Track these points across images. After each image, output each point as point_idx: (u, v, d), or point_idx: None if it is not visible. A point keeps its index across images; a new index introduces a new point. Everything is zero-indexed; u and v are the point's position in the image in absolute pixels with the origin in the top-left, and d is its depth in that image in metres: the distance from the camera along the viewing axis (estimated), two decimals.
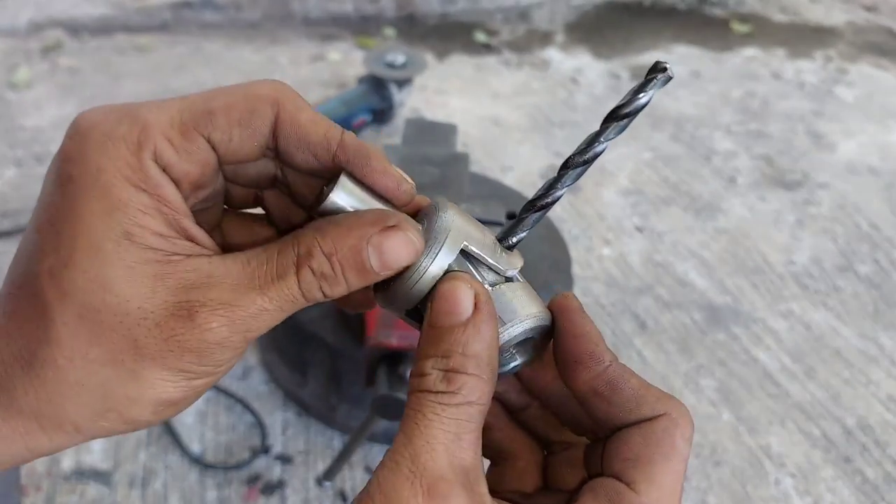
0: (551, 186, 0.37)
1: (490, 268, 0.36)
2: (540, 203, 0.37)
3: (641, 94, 0.34)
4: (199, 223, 0.34)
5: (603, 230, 1.50)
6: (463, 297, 0.34)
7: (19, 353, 0.31)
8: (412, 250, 0.34)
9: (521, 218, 0.37)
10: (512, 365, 0.37)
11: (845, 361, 1.25)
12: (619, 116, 0.35)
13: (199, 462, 1.03)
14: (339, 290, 0.33)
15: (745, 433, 1.11)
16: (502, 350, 0.36)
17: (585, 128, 1.75)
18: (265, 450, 1.05)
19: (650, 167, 1.67)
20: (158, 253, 0.32)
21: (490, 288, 0.35)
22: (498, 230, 0.38)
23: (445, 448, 0.31)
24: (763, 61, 2.16)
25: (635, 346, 1.24)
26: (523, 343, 0.37)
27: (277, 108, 0.34)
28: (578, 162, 0.36)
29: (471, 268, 0.36)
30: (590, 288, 1.35)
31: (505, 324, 0.35)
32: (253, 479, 1.02)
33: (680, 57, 2.16)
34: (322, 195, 0.35)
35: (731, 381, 1.19)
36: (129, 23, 2.08)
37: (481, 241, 0.36)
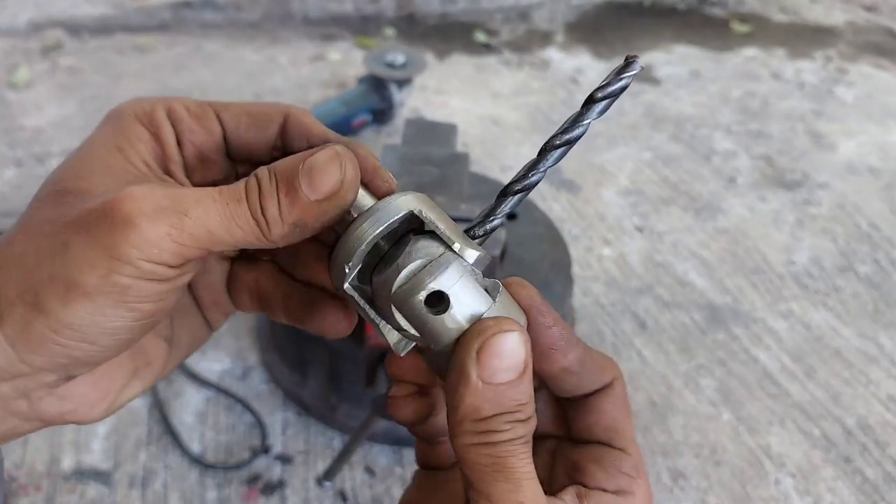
0: (530, 169, 0.37)
1: (442, 238, 0.36)
2: (515, 188, 0.37)
3: (620, 78, 0.36)
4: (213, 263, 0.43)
5: (603, 230, 1.50)
6: (521, 353, 0.34)
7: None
8: (336, 164, 0.35)
9: (497, 203, 0.38)
10: None
11: (845, 361, 1.25)
12: (596, 99, 0.37)
13: (199, 462, 1.03)
14: (271, 206, 0.34)
15: (744, 433, 1.11)
16: None
17: None
18: (265, 450, 1.05)
19: (650, 167, 1.67)
20: (139, 172, 0.37)
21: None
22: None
23: (538, 477, 0.35)
24: (763, 61, 2.16)
25: (635, 346, 1.25)
26: None
27: (287, 114, 0.41)
28: (556, 144, 0.37)
29: (453, 262, 0.35)
30: (590, 288, 1.35)
31: None
32: (253, 479, 1.02)
33: (680, 57, 2.16)
34: None
35: (731, 381, 1.19)
36: (129, 23, 2.08)
37: (439, 217, 0.36)
